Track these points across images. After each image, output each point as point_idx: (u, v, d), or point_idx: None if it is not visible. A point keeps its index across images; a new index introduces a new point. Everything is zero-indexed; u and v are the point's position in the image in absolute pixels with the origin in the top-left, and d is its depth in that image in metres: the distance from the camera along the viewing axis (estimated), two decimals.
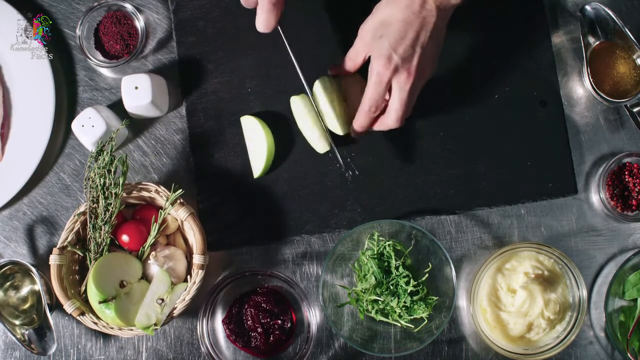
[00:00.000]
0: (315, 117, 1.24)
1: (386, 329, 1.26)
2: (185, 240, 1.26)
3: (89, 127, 1.23)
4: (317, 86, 1.23)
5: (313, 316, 1.22)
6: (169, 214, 1.22)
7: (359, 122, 1.19)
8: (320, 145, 1.25)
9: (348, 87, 1.24)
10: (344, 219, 1.27)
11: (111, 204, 1.18)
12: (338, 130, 1.24)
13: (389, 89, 1.14)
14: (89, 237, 1.20)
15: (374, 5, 1.14)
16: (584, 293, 1.20)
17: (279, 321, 1.24)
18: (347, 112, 1.24)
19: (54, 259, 1.19)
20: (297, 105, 1.25)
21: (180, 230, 1.26)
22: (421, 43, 1.11)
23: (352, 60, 1.18)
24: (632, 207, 1.25)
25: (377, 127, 1.19)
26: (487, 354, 1.26)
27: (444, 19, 1.12)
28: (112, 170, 1.18)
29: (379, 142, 1.27)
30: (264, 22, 1.13)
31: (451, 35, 1.18)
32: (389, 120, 1.17)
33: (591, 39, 1.26)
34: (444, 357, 1.26)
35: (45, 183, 1.31)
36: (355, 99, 1.22)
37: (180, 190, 1.20)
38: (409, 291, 1.21)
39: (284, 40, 1.18)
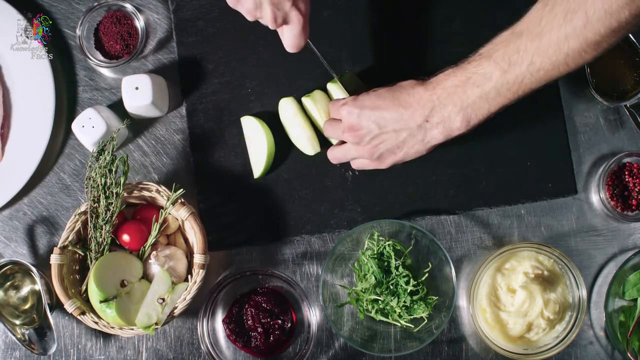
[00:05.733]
0: (304, 118, 1.25)
1: (386, 329, 1.26)
2: (186, 240, 1.26)
3: (89, 127, 1.23)
4: (307, 101, 1.25)
5: (313, 316, 1.22)
6: (169, 213, 1.22)
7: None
8: (310, 146, 1.25)
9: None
10: (344, 219, 1.27)
11: (112, 203, 1.18)
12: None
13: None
14: (89, 236, 1.20)
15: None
16: (584, 293, 1.20)
17: (279, 321, 1.24)
18: None
19: (55, 259, 1.19)
20: (286, 106, 1.26)
21: (180, 230, 1.26)
22: (405, 151, 1.15)
23: (330, 130, 1.22)
24: (632, 207, 1.25)
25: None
26: (487, 354, 1.26)
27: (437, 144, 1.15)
28: (113, 169, 1.18)
29: None
30: (295, 44, 1.12)
31: (452, 37, 1.19)
32: (329, 155, 1.24)
33: None
34: (444, 357, 1.26)
35: (46, 183, 1.31)
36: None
37: (181, 189, 1.20)
38: (409, 291, 1.21)
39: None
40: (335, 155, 1.23)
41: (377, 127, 1.13)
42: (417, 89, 1.12)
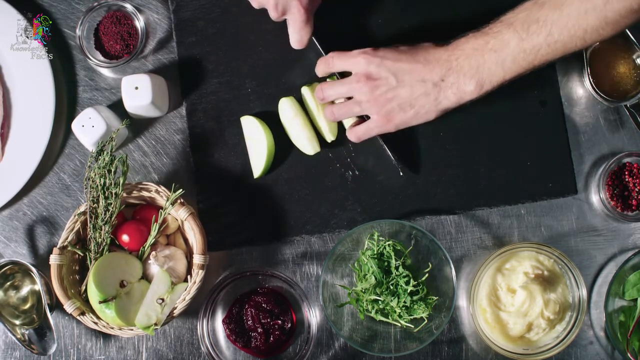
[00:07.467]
0: (304, 118, 1.25)
1: (386, 329, 1.26)
2: (186, 240, 1.26)
3: (89, 127, 1.23)
4: (306, 91, 1.25)
5: (313, 316, 1.22)
6: (169, 213, 1.22)
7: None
8: (310, 146, 1.25)
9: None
10: (344, 219, 1.27)
11: (111, 203, 1.18)
12: (327, 136, 1.25)
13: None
14: (89, 237, 1.20)
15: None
16: (584, 293, 1.20)
17: (279, 321, 1.24)
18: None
19: (54, 259, 1.19)
20: (286, 106, 1.26)
21: (180, 230, 1.26)
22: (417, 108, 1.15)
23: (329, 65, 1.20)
24: (632, 207, 1.25)
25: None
26: (487, 354, 1.26)
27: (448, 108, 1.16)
28: (113, 170, 1.18)
29: (379, 142, 1.27)
30: (297, 39, 1.13)
31: (452, 37, 1.17)
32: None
33: None
34: (444, 357, 1.26)
35: (45, 183, 1.31)
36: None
37: (181, 190, 1.20)
38: (409, 291, 1.21)
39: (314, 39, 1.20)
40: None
41: (395, 79, 1.14)
42: (437, 49, 1.14)
